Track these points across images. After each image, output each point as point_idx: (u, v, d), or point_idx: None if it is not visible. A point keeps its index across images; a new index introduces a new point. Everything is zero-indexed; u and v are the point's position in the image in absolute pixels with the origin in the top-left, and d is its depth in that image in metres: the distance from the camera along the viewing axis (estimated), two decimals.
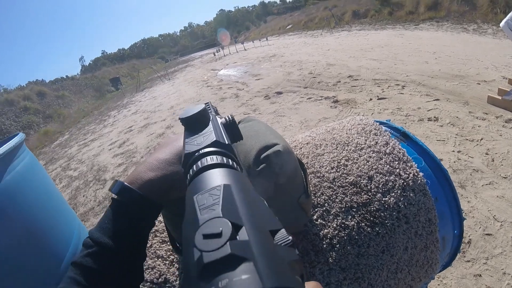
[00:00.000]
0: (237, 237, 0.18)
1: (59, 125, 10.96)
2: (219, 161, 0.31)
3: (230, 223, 0.19)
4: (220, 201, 0.22)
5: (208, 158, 0.32)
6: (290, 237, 0.20)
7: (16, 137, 1.31)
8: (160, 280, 0.64)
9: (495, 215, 1.83)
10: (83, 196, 3.68)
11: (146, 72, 15.64)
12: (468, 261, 1.61)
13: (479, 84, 3.95)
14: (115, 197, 0.43)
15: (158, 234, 0.73)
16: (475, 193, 2.04)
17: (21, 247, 1.10)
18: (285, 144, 0.60)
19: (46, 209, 1.30)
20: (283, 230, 0.21)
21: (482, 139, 2.66)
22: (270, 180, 0.56)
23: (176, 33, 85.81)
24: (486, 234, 1.73)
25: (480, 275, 1.53)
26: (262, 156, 0.57)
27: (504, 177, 2.14)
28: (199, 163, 0.31)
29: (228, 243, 0.17)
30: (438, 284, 1.52)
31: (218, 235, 0.18)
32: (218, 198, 0.23)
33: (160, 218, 0.77)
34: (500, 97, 3.22)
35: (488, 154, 2.44)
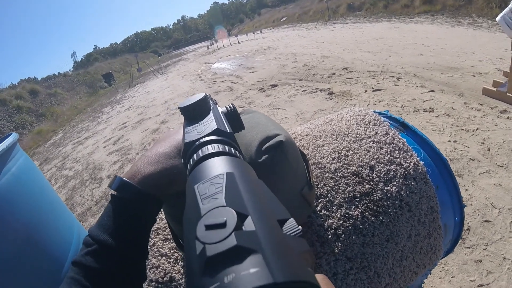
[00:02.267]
0: (243, 227, 0.17)
1: (52, 123, 10.83)
2: (221, 150, 0.30)
3: (235, 212, 0.18)
4: (223, 190, 0.21)
5: (209, 146, 0.30)
6: (300, 227, 0.19)
7: (9, 138, 1.26)
8: (165, 279, 0.63)
9: (492, 202, 1.86)
10: (80, 196, 3.65)
11: (139, 66, 15.46)
12: (468, 247, 1.63)
13: (474, 76, 3.97)
14: (115, 193, 0.42)
15: (160, 232, 0.72)
16: (472, 181, 2.06)
17: (20, 252, 1.07)
18: (287, 135, 0.59)
19: (43, 211, 1.26)
20: (291, 220, 0.20)
21: (477, 129, 2.68)
22: (273, 171, 0.55)
23: (169, 27, 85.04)
24: (485, 221, 1.75)
25: (481, 261, 1.55)
26: (264, 147, 0.56)
27: (500, 166, 2.16)
28: (199, 152, 0.30)
29: (233, 233, 0.16)
30: (440, 271, 1.54)
31: (222, 225, 0.17)
32: (221, 186, 0.21)
33: (162, 215, 0.75)
34: (495, 89, 3.24)
35: (483, 143, 2.46)
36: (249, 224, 0.17)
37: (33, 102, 13.45)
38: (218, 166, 0.25)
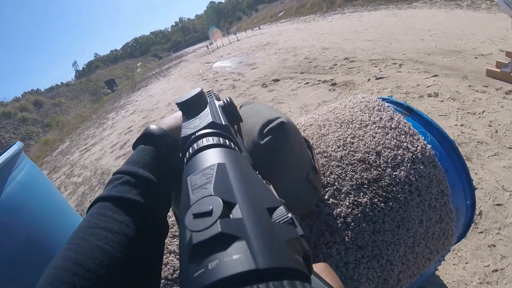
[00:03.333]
0: (230, 215, 0.18)
1: (58, 133, 10.93)
2: (215, 142, 0.30)
3: (221, 201, 0.18)
4: (213, 180, 0.21)
5: (204, 139, 0.31)
6: (289, 214, 0.19)
7: (14, 146, 1.27)
8: (174, 275, 0.63)
9: (503, 185, 1.82)
10: (90, 201, 3.65)
11: (140, 71, 15.58)
12: (481, 232, 1.60)
13: (477, 58, 3.90)
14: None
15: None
16: (482, 164, 2.03)
17: (28, 261, 1.05)
18: (288, 118, 0.59)
19: (52, 217, 1.26)
20: (281, 207, 0.20)
21: (483, 111, 2.64)
22: (275, 152, 0.55)
23: (167, 29, 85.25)
24: (497, 205, 1.72)
25: (494, 245, 1.52)
26: (266, 129, 0.56)
27: (509, 148, 2.12)
28: (195, 145, 0.31)
29: (218, 221, 0.16)
30: (454, 257, 1.52)
31: (208, 213, 0.17)
32: (211, 177, 0.22)
33: (169, 213, 0.75)
34: (498, 70, 3.18)
35: (491, 126, 2.41)
36: (236, 213, 0.18)
37: (38, 113, 13.59)
38: (210, 158, 0.26)
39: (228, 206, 0.18)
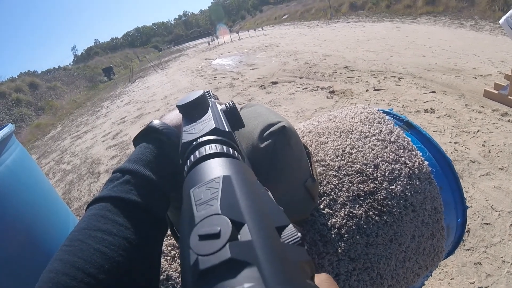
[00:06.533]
0: (239, 236, 0.16)
1: (51, 117, 10.80)
2: (218, 150, 0.29)
3: (229, 221, 0.17)
4: (219, 195, 0.20)
5: (207, 147, 0.29)
6: (299, 234, 0.18)
7: (4, 128, 1.23)
8: (162, 277, 0.61)
9: (492, 205, 1.85)
10: (77, 190, 3.62)
11: (139, 61, 15.49)
12: (468, 249, 1.62)
13: (476, 78, 3.96)
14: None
15: None
16: (473, 183, 2.05)
17: (13, 247, 1.04)
18: (289, 123, 0.58)
19: (38, 205, 1.23)
20: (290, 226, 0.19)
21: (478, 131, 2.67)
22: (275, 157, 0.54)
23: (170, 22, 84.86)
24: (485, 223, 1.74)
25: (480, 263, 1.54)
26: (266, 133, 0.55)
27: (500, 168, 2.15)
28: (196, 153, 0.29)
29: (227, 245, 0.15)
30: (440, 272, 1.53)
31: (216, 235, 0.16)
32: (217, 191, 0.20)
33: None
34: (496, 92, 3.23)
35: (484, 145, 2.45)
36: (245, 234, 0.17)
37: (32, 95, 13.40)
38: (214, 169, 0.25)
39: (236, 226, 0.17)
